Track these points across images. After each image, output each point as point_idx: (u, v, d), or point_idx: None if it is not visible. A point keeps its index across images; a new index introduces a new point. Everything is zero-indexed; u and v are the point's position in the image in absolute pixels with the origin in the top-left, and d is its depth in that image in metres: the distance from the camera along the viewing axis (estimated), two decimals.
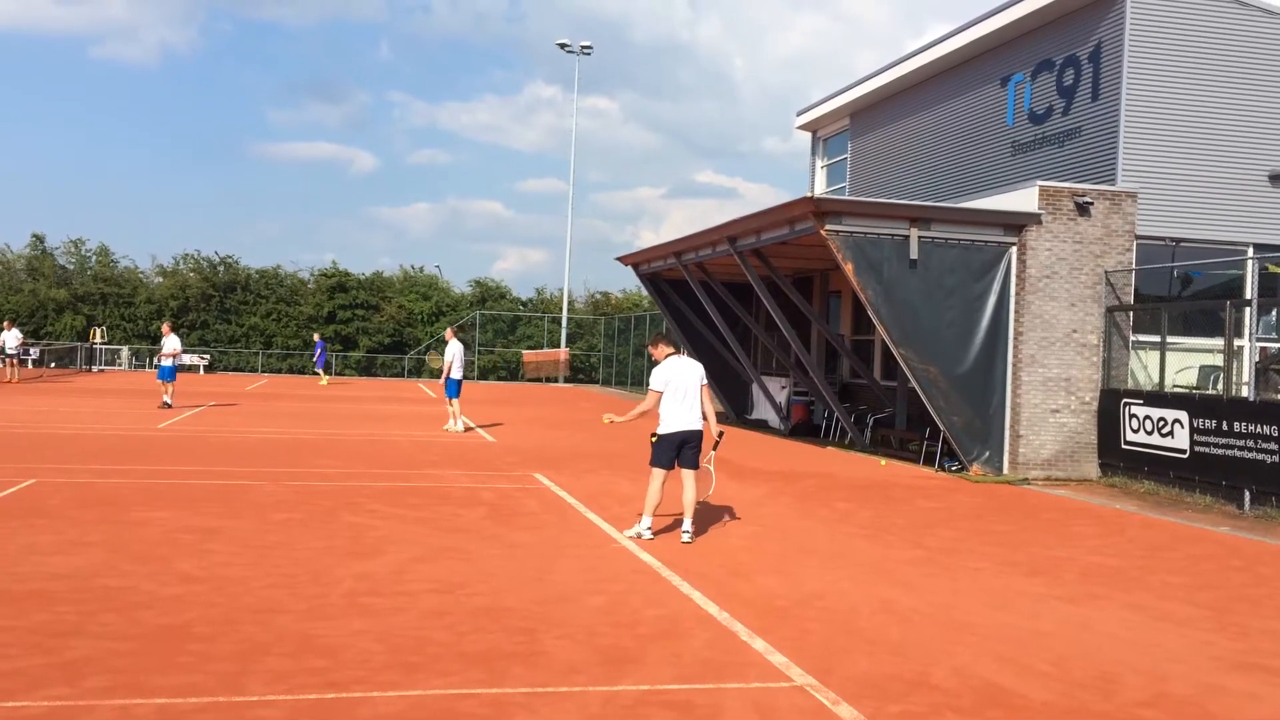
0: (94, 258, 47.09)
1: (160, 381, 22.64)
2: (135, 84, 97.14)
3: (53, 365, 39.15)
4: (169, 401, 22.32)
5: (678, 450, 9.27)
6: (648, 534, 9.30)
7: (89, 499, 10.34)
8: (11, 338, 31.54)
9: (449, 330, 20.40)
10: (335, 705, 4.90)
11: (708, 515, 10.84)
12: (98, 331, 42.43)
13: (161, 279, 46.56)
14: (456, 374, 19.51)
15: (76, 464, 12.93)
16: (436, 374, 22.91)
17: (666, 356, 9.42)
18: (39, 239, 46.48)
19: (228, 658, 5.53)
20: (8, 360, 31.57)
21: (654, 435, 9.30)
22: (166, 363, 22.48)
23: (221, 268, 46.58)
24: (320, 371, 38.40)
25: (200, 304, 45.29)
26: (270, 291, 46.39)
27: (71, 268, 46.59)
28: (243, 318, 45.64)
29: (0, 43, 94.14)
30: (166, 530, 8.92)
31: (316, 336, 39.91)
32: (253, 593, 6.92)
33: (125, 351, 43.67)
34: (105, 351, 43.00)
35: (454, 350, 19.47)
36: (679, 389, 9.22)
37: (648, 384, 9.41)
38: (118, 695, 4.91)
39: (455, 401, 19.56)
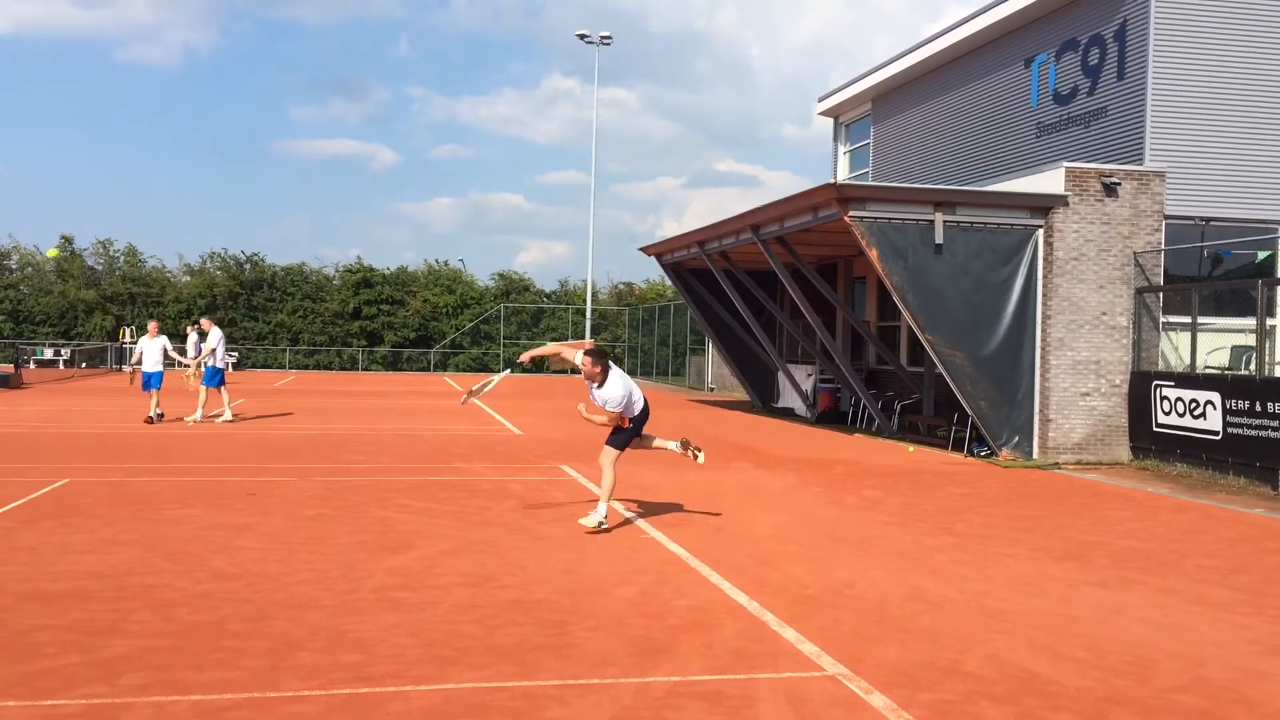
0: (122, 258, 47.56)
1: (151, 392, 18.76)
2: (159, 85, 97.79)
3: (83, 365, 39.57)
4: (153, 416, 18.54)
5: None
6: (607, 525, 9.23)
7: (122, 498, 10.44)
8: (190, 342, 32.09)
9: (206, 319, 19.80)
10: (369, 699, 4.93)
11: (737, 504, 10.84)
12: (127, 331, 42.85)
13: (189, 278, 46.99)
14: (219, 363, 19.12)
15: (109, 463, 13.06)
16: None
17: (603, 370, 9.11)
18: (68, 240, 46.98)
19: (261, 654, 5.56)
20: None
21: (629, 421, 9.30)
22: (154, 369, 18.70)
23: (248, 265, 46.95)
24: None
25: (227, 302, 45.66)
26: (296, 288, 46.72)
27: (100, 268, 47.07)
28: (269, 315, 45.98)
29: (27, 47, 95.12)
30: (198, 528, 8.99)
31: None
32: (285, 589, 6.96)
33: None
34: (135, 351, 43.43)
35: (216, 337, 19.04)
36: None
37: (616, 405, 9.09)
38: (154, 692, 4.95)
39: (222, 390, 19.11)
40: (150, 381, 18.67)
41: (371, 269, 47.67)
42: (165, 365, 19.08)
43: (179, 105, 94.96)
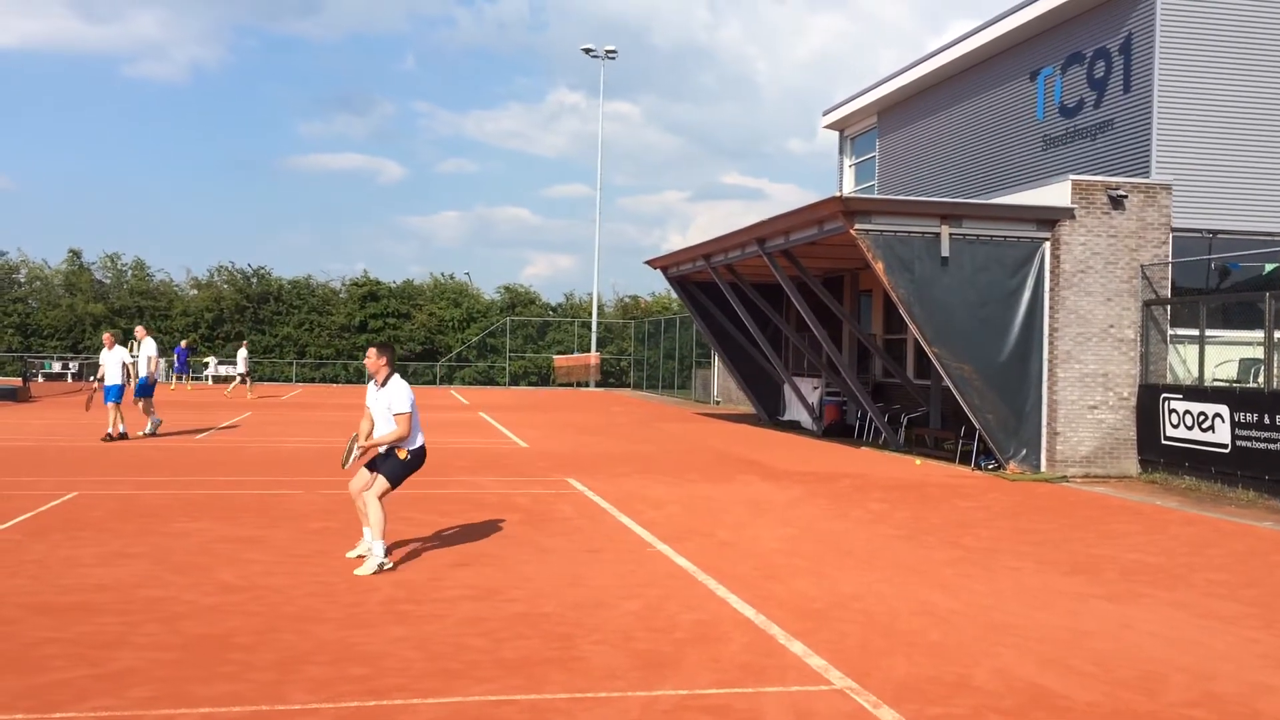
0: (130, 272, 47.71)
1: (110, 405, 17.63)
2: (167, 101, 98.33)
3: (91, 379, 39.61)
4: (113, 433, 17.64)
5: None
6: (389, 563, 8.09)
7: (130, 510, 10.46)
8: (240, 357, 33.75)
9: (140, 329, 19.36)
10: (376, 713, 4.92)
11: (743, 518, 10.82)
12: (134, 345, 42.96)
13: (196, 291, 47.13)
14: (152, 374, 18.84)
15: (117, 476, 13.08)
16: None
17: (389, 366, 8.25)
18: (76, 254, 47.20)
19: (269, 666, 5.57)
20: (243, 377, 33.42)
21: (407, 453, 8.24)
22: (113, 381, 17.67)
23: (254, 279, 47.10)
24: (177, 377, 37.77)
25: (234, 315, 45.79)
26: (302, 301, 46.84)
27: (108, 282, 47.23)
28: (276, 328, 46.10)
29: (37, 63, 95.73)
30: (206, 541, 9.00)
31: (183, 343, 38.31)
32: (292, 601, 6.97)
33: (162, 364, 44.17)
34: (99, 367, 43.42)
35: (150, 349, 18.78)
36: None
37: (407, 406, 8.14)
38: (162, 705, 4.95)
39: (149, 401, 18.67)
40: (110, 394, 17.58)
41: (378, 282, 47.81)
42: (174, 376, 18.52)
43: (187, 121, 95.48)
